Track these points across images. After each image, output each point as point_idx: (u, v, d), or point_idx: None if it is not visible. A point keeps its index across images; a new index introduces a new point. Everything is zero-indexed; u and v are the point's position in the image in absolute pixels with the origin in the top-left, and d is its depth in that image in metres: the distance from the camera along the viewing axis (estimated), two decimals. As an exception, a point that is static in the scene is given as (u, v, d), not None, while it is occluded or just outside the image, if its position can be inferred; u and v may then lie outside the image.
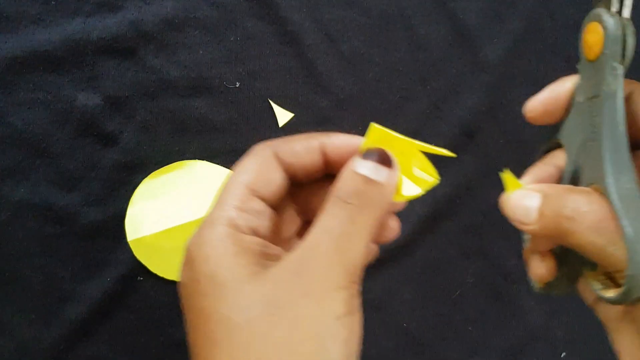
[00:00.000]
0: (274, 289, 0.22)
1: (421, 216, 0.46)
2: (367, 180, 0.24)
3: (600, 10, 0.24)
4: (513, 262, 0.48)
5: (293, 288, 0.22)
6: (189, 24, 0.45)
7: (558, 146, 0.28)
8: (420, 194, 0.26)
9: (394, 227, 0.28)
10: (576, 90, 0.26)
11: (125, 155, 0.44)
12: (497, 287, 0.48)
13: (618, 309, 0.26)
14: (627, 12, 0.23)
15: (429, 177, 0.26)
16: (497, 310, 0.48)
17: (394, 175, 0.24)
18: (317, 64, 0.46)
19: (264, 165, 0.25)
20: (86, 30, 0.43)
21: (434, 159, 0.26)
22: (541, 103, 0.27)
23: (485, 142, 0.47)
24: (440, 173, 0.26)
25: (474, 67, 0.47)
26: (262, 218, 0.25)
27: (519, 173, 0.28)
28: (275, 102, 0.45)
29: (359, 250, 0.23)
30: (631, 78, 0.25)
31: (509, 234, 0.46)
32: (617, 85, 0.23)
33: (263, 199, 0.25)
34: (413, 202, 0.28)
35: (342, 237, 0.23)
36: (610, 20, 0.23)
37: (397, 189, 0.25)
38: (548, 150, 0.29)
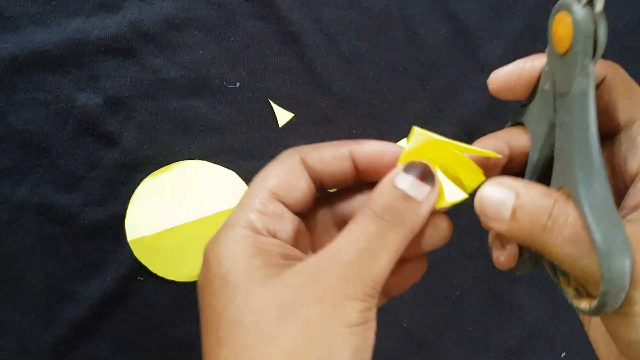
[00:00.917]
0: (287, 292, 0.21)
1: (421, 216, 0.46)
2: (405, 196, 0.23)
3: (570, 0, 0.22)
4: (513, 262, 0.48)
5: (306, 293, 0.21)
6: (189, 24, 0.45)
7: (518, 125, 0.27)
8: (465, 198, 0.25)
9: (444, 230, 0.25)
10: (543, 75, 0.24)
11: (125, 155, 0.44)
12: (497, 287, 0.48)
13: None
14: (599, 5, 0.21)
15: (474, 179, 0.25)
16: (497, 310, 0.48)
17: (434, 195, 0.24)
18: (317, 64, 0.46)
19: (289, 171, 0.25)
20: (86, 30, 0.43)
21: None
22: (503, 76, 0.25)
23: (485, 142, 0.47)
24: None
25: (474, 67, 0.47)
26: (284, 222, 0.24)
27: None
28: (275, 102, 0.45)
29: (382, 266, 0.22)
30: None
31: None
32: (588, 84, 0.21)
33: (286, 204, 0.25)
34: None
35: (367, 251, 0.22)
36: (580, 13, 0.21)
37: (440, 195, 0.24)
38: None
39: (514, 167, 0.27)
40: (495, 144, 0.26)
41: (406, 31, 0.46)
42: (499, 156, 0.24)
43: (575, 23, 0.21)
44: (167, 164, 0.44)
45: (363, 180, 0.26)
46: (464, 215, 0.28)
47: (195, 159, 0.45)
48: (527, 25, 0.47)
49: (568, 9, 0.21)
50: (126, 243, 0.44)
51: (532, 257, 0.25)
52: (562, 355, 0.48)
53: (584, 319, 0.28)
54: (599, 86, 0.24)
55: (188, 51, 0.44)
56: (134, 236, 0.44)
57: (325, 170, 0.25)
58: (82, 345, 0.44)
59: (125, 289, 0.44)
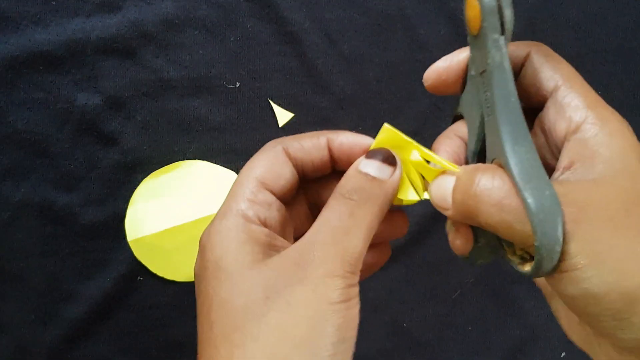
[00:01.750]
0: (273, 275, 0.23)
1: (421, 216, 0.46)
2: (370, 178, 0.24)
3: None
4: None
5: (291, 275, 0.23)
6: (189, 24, 0.45)
7: (462, 118, 0.28)
8: (415, 201, 0.26)
9: (402, 223, 0.28)
10: (469, 63, 0.26)
11: (125, 155, 0.44)
12: (497, 287, 0.48)
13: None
14: None
15: (422, 190, 0.26)
16: (497, 310, 0.48)
17: (397, 174, 0.25)
18: (317, 64, 0.46)
19: (274, 160, 0.26)
20: (86, 30, 0.43)
21: None
22: (434, 72, 0.27)
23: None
24: None
25: (474, 67, 0.47)
26: (272, 210, 0.26)
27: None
28: (275, 102, 0.45)
29: (357, 242, 0.23)
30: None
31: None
32: (502, 56, 0.23)
33: (273, 192, 0.26)
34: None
35: (339, 229, 0.23)
36: None
37: (397, 191, 0.25)
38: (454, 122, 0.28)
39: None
40: (454, 143, 0.27)
41: (406, 31, 0.46)
42: (458, 170, 0.24)
43: (481, 2, 0.23)
44: (167, 164, 0.44)
45: (339, 169, 0.27)
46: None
47: (195, 159, 0.45)
48: (527, 25, 0.47)
49: None
50: (126, 243, 0.44)
51: (489, 243, 0.26)
52: (562, 355, 0.48)
53: (546, 293, 0.28)
54: (524, 62, 0.25)
55: (188, 51, 0.45)
56: (134, 236, 0.44)
57: (305, 158, 0.27)
58: (82, 345, 0.44)
59: (125, 289, 0.44)
